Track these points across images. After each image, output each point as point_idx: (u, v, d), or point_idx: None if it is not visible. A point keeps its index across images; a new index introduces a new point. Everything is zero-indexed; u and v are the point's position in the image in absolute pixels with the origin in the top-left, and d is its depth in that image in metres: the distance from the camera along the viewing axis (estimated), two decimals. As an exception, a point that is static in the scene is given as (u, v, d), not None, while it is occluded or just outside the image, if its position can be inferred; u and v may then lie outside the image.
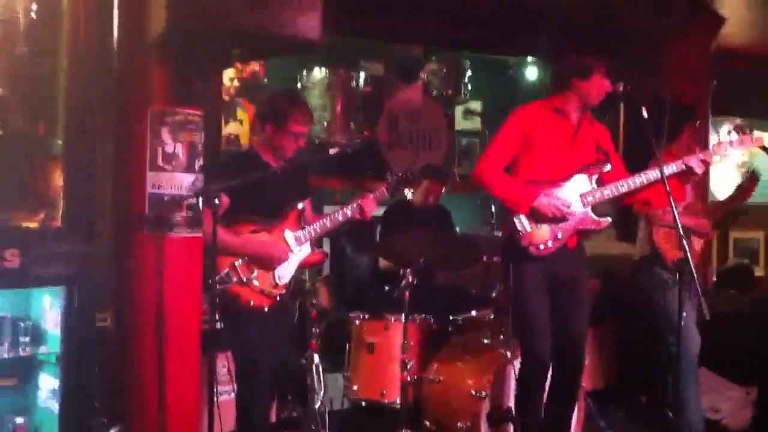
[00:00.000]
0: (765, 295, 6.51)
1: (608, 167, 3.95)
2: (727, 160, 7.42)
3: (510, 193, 3.85)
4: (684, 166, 3.91)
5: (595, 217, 3.90)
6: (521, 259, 3.84)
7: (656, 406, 4.93)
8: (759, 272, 8.07)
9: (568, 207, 3.82)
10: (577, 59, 3.90)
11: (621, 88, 3.87)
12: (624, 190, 3.90)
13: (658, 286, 4.64)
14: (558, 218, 3.81)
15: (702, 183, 4.90)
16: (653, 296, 4.75)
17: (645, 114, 3.81)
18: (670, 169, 3.88)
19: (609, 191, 3.90)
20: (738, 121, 5.29)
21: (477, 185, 3.94)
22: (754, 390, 5.24)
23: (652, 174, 3.85)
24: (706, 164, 3.93)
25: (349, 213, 3.89)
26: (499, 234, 4.32)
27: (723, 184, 4.99)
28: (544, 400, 4.07)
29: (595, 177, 3.94)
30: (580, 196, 3.88)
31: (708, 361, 4.81)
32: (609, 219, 3.95)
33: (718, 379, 5.56)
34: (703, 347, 4.68)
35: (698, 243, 4.79)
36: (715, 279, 7.18)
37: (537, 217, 3.81)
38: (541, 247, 3.81)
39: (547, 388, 4.04)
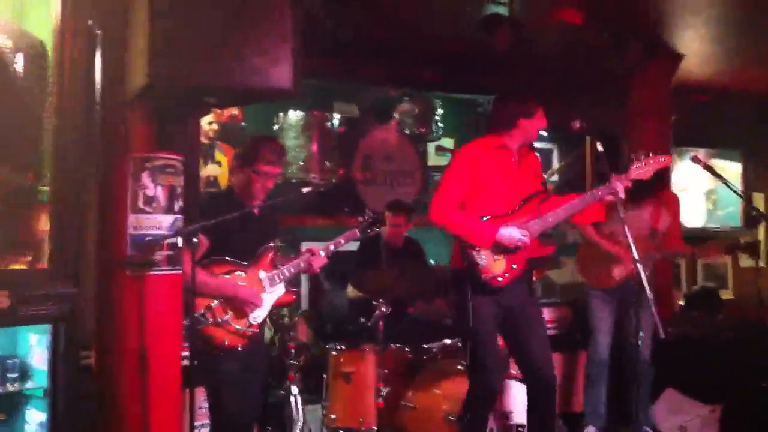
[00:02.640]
0: (730, 317, 6.73)
1: (548, 195, 4.10)
2: (694, 187, 7.75)
3: (470, 230, 3.91)
4: (611, 191, 3.92)
5: (541, 244, 4.05)
6: (478, 293, 3.89)
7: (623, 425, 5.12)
8: (728, 295, 8.32)
9: (527, 237, 3.92)
10: (522, 100, 4.03)
11: (578, 125, 4.03)
12: (563, 215, 4.01)
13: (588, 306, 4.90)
14: (516, 249, 3.92)
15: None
16: None
17: (600, 147, 4.05)
18: (595, 195, 3.96)
19: (552, 219, 3.99)
20: (698, 151, 5.52)
21: (435, 225, 3.95)
22: (718, 408, 5.38)
23: (587, 199, 3.98)
24: (627, 186, 3.94)
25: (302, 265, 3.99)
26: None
27: (690, 210, 5.20)
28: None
29: (538, 206, 4.04)
30: (528, 225, 3.97)
31: (676, 381, 4.98)
32: (554, 246, 4.13)
33: (685, 398, 5.76)
34: (671, 368, 4.85)
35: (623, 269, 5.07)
36: (682, 303, 7.42)
37: (498, 249, 3.91)
38: (500, 279, 3.90)
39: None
